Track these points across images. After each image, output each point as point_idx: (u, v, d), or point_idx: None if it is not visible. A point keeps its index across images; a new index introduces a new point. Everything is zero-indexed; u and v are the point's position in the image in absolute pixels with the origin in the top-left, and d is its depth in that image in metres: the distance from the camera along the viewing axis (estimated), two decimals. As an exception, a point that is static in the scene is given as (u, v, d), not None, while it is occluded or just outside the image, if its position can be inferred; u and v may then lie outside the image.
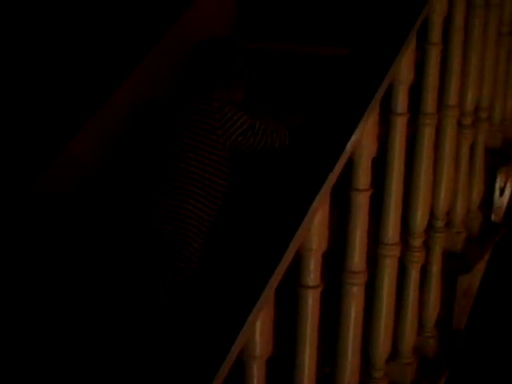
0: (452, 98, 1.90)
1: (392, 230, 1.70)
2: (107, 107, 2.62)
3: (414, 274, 1.87)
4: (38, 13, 2.54)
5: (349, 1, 2.88)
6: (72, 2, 2.60)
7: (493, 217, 2.32)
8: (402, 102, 1.64)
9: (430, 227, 1.93)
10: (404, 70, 1.62)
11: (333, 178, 1.38)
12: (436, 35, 1.79)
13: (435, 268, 1.96)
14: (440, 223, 1.95)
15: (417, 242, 1.85)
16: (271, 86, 2.80)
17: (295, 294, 1.44)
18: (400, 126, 1.63)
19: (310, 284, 1.41)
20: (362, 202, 1.53)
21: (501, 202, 2.34)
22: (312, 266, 1.40)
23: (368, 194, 1.54)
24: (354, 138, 1.43)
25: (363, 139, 1.49)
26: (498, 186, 2.32)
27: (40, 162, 2.46)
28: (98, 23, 2.65)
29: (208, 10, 2.92)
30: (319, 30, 2.93)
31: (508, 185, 2.36)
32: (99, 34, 2.64)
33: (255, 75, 2.62)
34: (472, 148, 2.11)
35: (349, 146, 1.41)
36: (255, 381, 1.29)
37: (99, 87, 2.60)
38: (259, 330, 1.26)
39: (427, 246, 1.92)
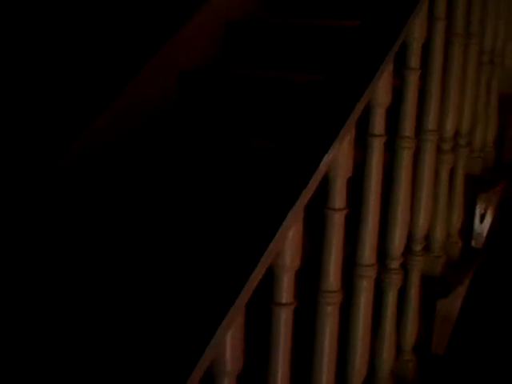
0: (431, 123, 1.89)
1: (368, 251, 1.67)
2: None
3: (391, 297, 1.84)
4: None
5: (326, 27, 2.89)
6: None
7: (473, 243, 2.31)
8: (378, 123, 1.62)
9: (408, 250, 1.91)
10: (381, 92, 1.61)
11: (306, 194, 1.36)
12: (414, 60, 1.78)
13: (413, 291, 1.93)
14: (418, 247, 1.94)
15: (394, 264, 1.83)
16: (241, 111, 2.80)
17: (268, 311, 1.42)
18: (377, 147, 1.62)
19: (283, 301, 1.39)
20: (337, 222, 1.51)
21: (481, 228, 2.33)
22: (285, 283, 1.38)
23: (343, 213, 1.52)
24: (328, 156, 1.41)
25: (338, 158, 1.47)
26: (478, 212, 2.30)
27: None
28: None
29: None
30: (292, 56, 2.94)
31: (488, 212, 2.35)
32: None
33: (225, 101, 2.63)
34: (452, 173, 2.10)
35: (323, 164, 1.40)
36: (224, 397, 1.27)
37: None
38: (230, 346, 1.24)
39: (405, 268, 1.90)
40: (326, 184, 1.53)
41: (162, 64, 2.79)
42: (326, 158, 1.42)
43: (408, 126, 1.76)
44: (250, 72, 2.86)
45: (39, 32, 2.45)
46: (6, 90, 2.39)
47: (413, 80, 1.76)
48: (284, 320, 1.40)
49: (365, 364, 1.75)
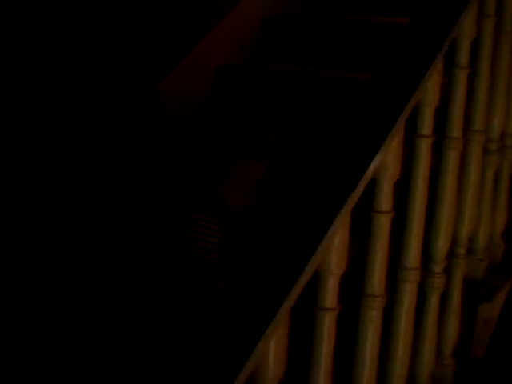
0: (478, 123, 1.84)
1: (413, 254, 1.63)
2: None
3: (433, 301, 1.80)
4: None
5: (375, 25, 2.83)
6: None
7: (515, 246, 2.25)
8: (427, 123, 1.57)
9: (451, 253, 1.86)
10: (430, 91, 1.56)
11: (354, 198, 1.32)
12: (463, 58, 1.73)
13: (455, 295, 1.88)
14: (462, 250, 1.88)
15: (437, 267, 1.78)
16: (285, 108, 2.75)
17: (312, 315, 1.38)
18: (425, 148, 1.57)
19: (328, 306, 1.35)
20: (383, 225, 1.47)
21: (524, 231, 2.27)
22: (330, 288, 1.34)
23: (389, 216, 1.48)
24: (377, 158, 1.37)
25: (387, 160, 1.43)
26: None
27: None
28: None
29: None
30: (340, 53, 2.89)
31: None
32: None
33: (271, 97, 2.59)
34: (496, 175, 2.04)
35: (372, 167, 1.36)
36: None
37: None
38: (273, 351, 1.20)
39: (448, 272, 1.85)
40: (372, 186, 1.49)
41: (199, 59, 2.76)
42: (375, 161, 1.38)
43: (456, 127, 1.71)
44: (287, 68, 2.82)
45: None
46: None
47: (462, 79, 1.71)
48: (327, 325, 1.36)
49: (405, 368, 1.71)
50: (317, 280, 1.37)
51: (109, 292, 2.16)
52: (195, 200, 2.23)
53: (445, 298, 1.87)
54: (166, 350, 1.83)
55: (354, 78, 2.46)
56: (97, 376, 1.96)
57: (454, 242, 1.86)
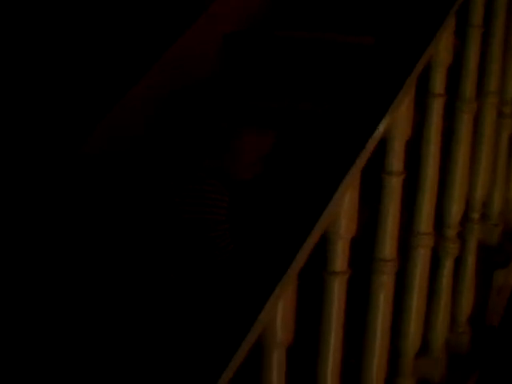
0: (492, 85, 1.78)
1: (426, 218, 1.58)
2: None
3: (447, 267, 1.75)
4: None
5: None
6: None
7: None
8: (439, 82, 1.52)
9: (465, 218, 1.81)
10: (442, 48, 1.50)
11: (364, 157, 1.27)
12: (477, 17, 1.67)
13: (470, 261, 1.83)
14: (476, 214, 1.83)
15: (451, 233, 1.73)
16: (292, 74, 2.68)
17: (321, 280, 1.33)
18: (437, 107, 1.52)
19: (337, 269, 1.31)
20: (394, 186, 1.42)
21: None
22: (339, 251, 1.29)
23: (401, 177, 1.43)
24: (387, 116, 1.32)
25: (398, 118, 1.37)
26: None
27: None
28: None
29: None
30: (343, 18, 2.81)
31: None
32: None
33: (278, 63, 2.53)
34: (511, 139, 1.99)
35: (382, 125, 1.30)
36: (275, 369, 1.19)
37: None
38: (280, 315, 1.16)
39: (462, 237, 1.80)
40: (383, 148, 1.43)
41: (207, 26, 2.70)
42: (385, 119, 1.32)
43: (469, 88, 1.65)
44: (293, 34, 2.75)
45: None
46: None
47: (475, 38, 1.65)
48: (337, 289, 1.32)
49: (419, 335, 1.67)
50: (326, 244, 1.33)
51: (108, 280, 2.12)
52: (202, 172, 2.19)
53: (459, 264, 1.82)
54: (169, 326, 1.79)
55: (360, 43, 2.40)
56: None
57: (468, 206, 1.81)
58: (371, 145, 1.30)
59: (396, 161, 1.41)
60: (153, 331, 1.88)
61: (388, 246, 1.46)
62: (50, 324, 2.05)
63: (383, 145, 1.44)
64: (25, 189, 2.22)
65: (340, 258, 1.30)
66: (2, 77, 2.25)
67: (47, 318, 2.07)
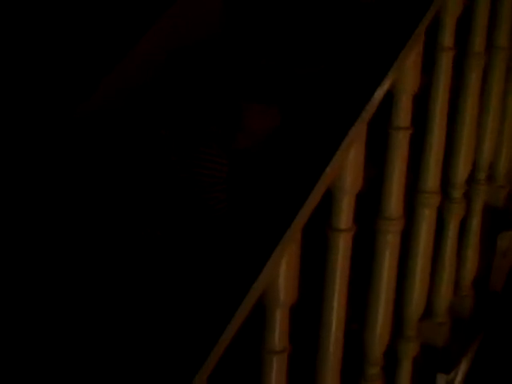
0: (501, 39, 1.71)
1: (432, 176, 1.52)
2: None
3: (452, 227, 1.69)
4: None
5: None
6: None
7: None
8: (448, 35, 1.45)
9: (471, 179, 1.75)
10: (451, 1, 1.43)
11: (370, 109, 1.21)
12: (487, -31, 1.60)
13: (475, 222, 1.77)
14: (482, 175, 1.77)
15: (457, 193, 1.67)
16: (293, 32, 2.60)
17: (325, 237, 1.28)
18: (446, 61, 1.45)
19: (342, 226, 1.25)
20: (401, 141, 1.36)
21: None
22: (344, 208, 1.23)
23: (408, 132, 1.36)
24: (394, 68, 1.25)
25: (404, 72, 1.31)
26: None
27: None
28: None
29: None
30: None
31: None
32: None
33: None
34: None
35: (388, 77, 1.24)
36: (277, 328, 1.13)
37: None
38: (283, 274, 1.10)
39: (468, 198, 1.74)
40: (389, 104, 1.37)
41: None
42: (392, 72, 1.26)
43: (478, 41, 1.58)
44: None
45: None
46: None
47: (485, -10, 1.58)
48: (342, 247, 1.26)
49: (423, 298, 1.62)
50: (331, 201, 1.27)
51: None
52: (204, 135, 2.14)
53: (464, 226, 1.77)
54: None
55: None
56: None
57: (474, 166, 1.75)
58: (377, 97, 1.23)
59: (403, 115, 1.35)
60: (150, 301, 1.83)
61: (394, 204, 1.40)
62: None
63: (391, 103, 1.38)
64: (23, 145, 2.16)
65: (345, 215, 1.24)
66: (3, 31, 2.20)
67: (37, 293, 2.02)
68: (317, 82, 2.07)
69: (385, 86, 1.26)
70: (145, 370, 0.95)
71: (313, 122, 1.23)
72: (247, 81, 2.23)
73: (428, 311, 1.69)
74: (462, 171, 1.66)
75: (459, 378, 1.86)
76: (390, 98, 1.36)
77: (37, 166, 2.18)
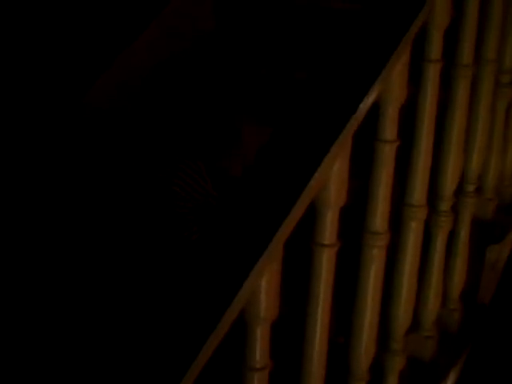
0: (490, 52, 1.68)
1: (419, 190, 1.49)
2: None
3: (440, 241, 1.66)
4: None
5: None
6: None
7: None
8: (435, 47, 1.42)
9: (459, 191, 1.72)
10: (439, 11, 1.40)
11: (355, 121, 1.18)
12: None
13: (463, 235, 1.74)
14: (470, 187, 1.74)
15: (445, 205, 1.64)
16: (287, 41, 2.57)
17: (309, 252, 1.24)
18: (433, 73, 1.42)
19: (326, 242, 1.21)
20: (387, 155, 1.32)
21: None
22: (328, 222, 1.20)
23: (395, 145, 1.33)
24: (380, 79, 1.22)
25: (391, 83, 1.28)
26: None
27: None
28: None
29: None
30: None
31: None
32: None
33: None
34: (508, 111, 1.89)
35: (374, 87, 1.21)
36: (258, 345, 1.10)
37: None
38: (265, 289, 1.07)
39: (456, 211, 1.71)
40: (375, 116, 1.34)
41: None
42: (378, 82, 1.23)
43: (466, 53, 1.55)
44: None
45: None
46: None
47: (473, 2, 1.55)
48: (326, 262, 1.23)
49: (410, 312, 1.58)
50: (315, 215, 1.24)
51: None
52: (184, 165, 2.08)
53: (451, 239, 1.74)
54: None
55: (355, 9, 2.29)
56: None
57: (463, 178, 1.72)
58: (363, 109, 1.20)
59: (389, 128, 1.32)
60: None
61: (379, 218, 1.36)
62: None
63: (376, 113, 1.35)
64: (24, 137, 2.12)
65: (329, 230, 1.20)
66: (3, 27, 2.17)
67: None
68: (302, 93, 2.04)
69: (371, 97, 1.22)
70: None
71: (298, 136, 1.19)
72: (247, 97, 2.19)
73: (415, 324, 1.66)
74: (449, 183, 1.62)
75: (446, 392, 1.83)
76: (375, 110, 1.34)
77: (39, 162, 2.15)
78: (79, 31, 2.29)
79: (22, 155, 2.13)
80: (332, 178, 1.17)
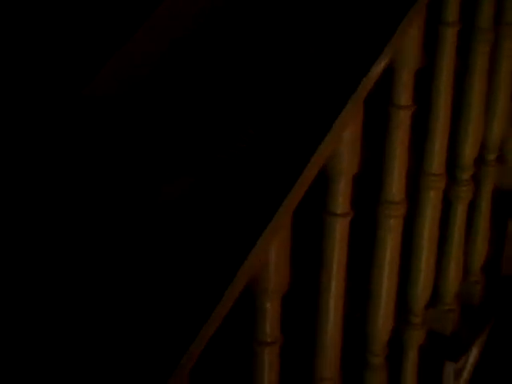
0: (510, 15, 1.61)
1: (437, 158, 1.42)
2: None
3: (459, 212, 1.59)
4: None
5: None
6: None
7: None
8: (452, 9, 1.35)
9: (480, 160, 1.65)
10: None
11: (366, 85, 1.11)
12: None
13: (484, 206, 1.67)
14: (491, 156, 1.66)
15: (465, 175, 1.57)
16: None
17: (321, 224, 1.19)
18: (450, 36, 1.35)
19: (338, 211, 1.16)
20: (402, 120, 1.26)
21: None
22: (341, 190, 1.14)
23: (410, 111, 1.27)
24: (393, 40, 1.15)
25: (405, 45, 1.21)
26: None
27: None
28: None
29: None
30: None
31: None
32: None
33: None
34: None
35: (387, 50, 1.14)
36: (268, 320, 1.05)
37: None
38: (274, 259, 1.02)
39: (476, 180, 1.64)
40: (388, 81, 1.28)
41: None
42: (391, 45, 1.16)
43: (486, 16, 1.48)
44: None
45: None
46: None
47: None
48: (339, 232, 1.17)
49: (429, 284, 1.53)
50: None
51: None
52: None
53: (472, 210, 1.67)
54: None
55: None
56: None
57: (484, 147, 1.65)
58: (375, 72, 1.14)
59: (404, 92, 1.25)
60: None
61: (396, 186, 1.30)
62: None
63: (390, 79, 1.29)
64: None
65: (342, 198, 1.15)
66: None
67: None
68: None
69: (384, 60, 1.16)
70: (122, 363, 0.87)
71: (308, 99, 1.13)
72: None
73: (435, 298, 1.60)
74: (469, 152, 1.56)
75: (469, 365, 1.77)
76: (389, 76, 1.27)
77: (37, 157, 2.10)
78: (80, 20, 2.24)
79: (20, 149, 2.09)
80: (344, 142, 1.11)
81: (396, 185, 1.30)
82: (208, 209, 0.97)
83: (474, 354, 1.76)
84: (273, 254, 1.01)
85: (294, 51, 1.15)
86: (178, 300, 0.90)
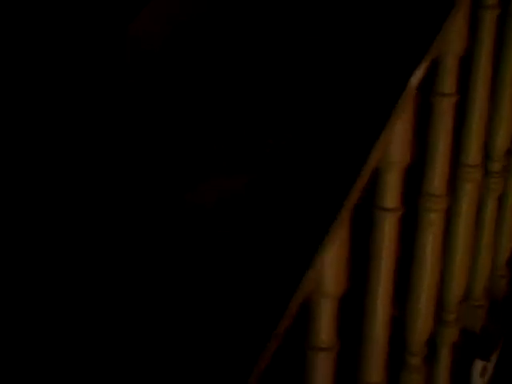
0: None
1: (475, 148, 1.36)
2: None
3: (490, 204, 1.54)
4: None
5: None
6: None
7: None
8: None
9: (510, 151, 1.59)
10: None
11: (418, 74, 1.05)
12: None
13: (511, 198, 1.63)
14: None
15: (496, 166, 1.52)
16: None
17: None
18: (489, 20, 1.29)
19: (388, 206, 1.09)
20: (446, 110, 1.19)
21: None
22: (392, 184, 1.07)
23: (454, 99, 1.20)
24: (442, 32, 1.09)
25: (451, 30, 1.15)
26: None
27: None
28: None
29: None
30: None
31: None
32: None
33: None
34: None
35: (434, 43, 1.08)
36: (324, 325, 0.98)
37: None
38: (332, 261, 0.94)
39: (507, 173, 1.58)
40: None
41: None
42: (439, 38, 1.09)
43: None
44: None
45: None
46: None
47: None
48: (388, 228, 1.10)
49: (464, 280, 1.47)
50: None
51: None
52: None
53: (500, 202, 1.61)
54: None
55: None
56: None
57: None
58: (424, 63, 1.07)
59: (448, 80, 1.18)
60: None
61: (438, 180, 1.24)
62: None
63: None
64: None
65: (392, 192, 1.08)
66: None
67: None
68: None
69: (432, 51, 1.09)
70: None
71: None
72: None
73: (465, 293, 1.55)
74: (501, 142, 1.50)
75: (493, 361, 1.72)
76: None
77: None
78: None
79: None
80: (395, 133, 1.04)
81: (439, 177, 1.24)
82: (266, 208, 0.89)
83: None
84: (332, 256, 0.94)
85: (346, 40, 1.08)
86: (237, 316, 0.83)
